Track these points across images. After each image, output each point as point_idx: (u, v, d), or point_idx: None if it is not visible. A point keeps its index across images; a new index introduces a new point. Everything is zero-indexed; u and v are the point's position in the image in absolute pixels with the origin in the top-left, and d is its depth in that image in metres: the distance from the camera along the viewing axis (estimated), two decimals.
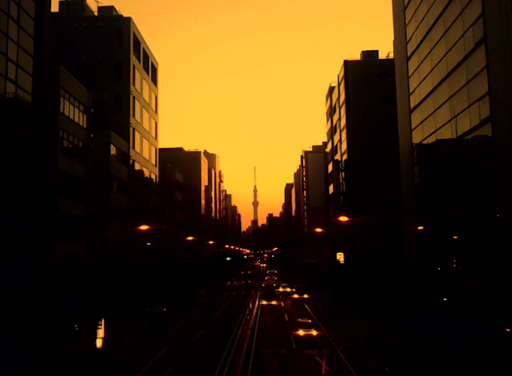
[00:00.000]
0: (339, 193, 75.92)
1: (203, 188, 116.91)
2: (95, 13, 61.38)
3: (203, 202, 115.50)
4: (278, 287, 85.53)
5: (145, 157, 61.68)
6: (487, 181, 30.31)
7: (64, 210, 36.58)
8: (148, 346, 37.45)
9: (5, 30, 27.82)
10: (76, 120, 39.53)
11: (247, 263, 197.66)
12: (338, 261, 72.24)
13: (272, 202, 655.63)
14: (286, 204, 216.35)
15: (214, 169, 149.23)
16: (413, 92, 44.03)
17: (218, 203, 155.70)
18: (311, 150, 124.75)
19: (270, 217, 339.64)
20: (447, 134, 36.34)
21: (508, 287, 27.29)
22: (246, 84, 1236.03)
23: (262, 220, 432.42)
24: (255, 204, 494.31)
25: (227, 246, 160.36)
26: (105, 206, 46.76)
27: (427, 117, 40.47)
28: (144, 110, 62.34)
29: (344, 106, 69.56)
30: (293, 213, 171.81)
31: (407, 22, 45.28)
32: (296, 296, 73.77)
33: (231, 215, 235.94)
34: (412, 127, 44.10)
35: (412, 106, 44.45)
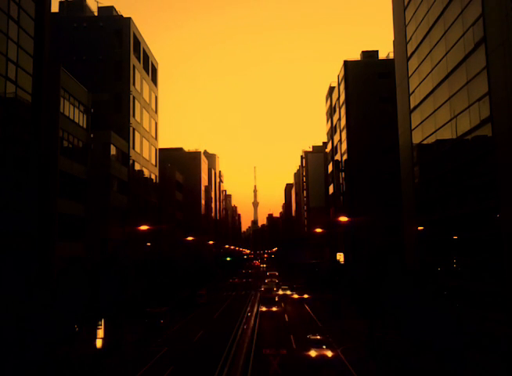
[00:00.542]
0: (339, 194, 75.92)
1: (203, 188, 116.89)
2: (95, 13, 61.38)
3: (203, 202, 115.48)
4: (278, 290, 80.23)
5: (145, 157, 61.66)
6: (487, 181, 30.30)
7: (64, 210, 36.57)
8: (148, 346, 37.45)
9: (5, 30, 27.83)
10: (76, 120, 39.52)
11: (247, 263, 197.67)
12: (338, 261, 72.28)
13: (272, 202, 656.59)
14: (286, 204, 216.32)
15: (214, 169, 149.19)
16: (413, 92, 44.03)
17: (218, 203, 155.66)
18: (311, 150, 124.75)
19: (270, 217, 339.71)
20: (447, 134, 36.33)
21: (508, 287, 27.28)
22: (247, 84, 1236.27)
23: (262, 220, 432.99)
24: (255, 204, 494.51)
25: (227, 246, 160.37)
26: (105, 206, 46.73)
27: (427, 118, 40.47)
28: (144, 110, 62.33)
29: (344, 107, 69.55)
30: (294, 213, 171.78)
31: (407, 22, 45.28)
32: (296, 296, 73.77)
33: (231, 215, 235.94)
34: (413, 127, 44.10)
35: (412, 106, 44.44)
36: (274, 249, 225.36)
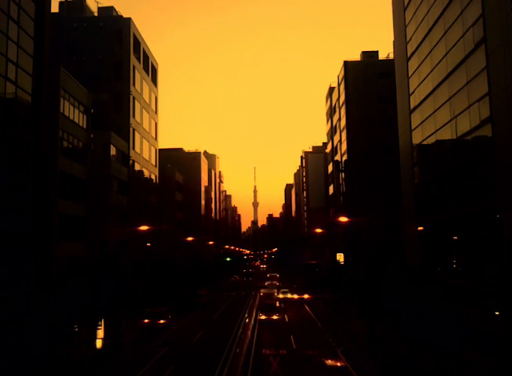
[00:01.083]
0: (339, 194, 75.94)
1: (203, 188, 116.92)
2: (95, 14, 61.43)
3: (203, 202, 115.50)
4: (278, 294, 72.49)
5: (145, 157, 61.69)
6: (487, 181, 30.31)
7: (64, 210, 36.58)
8: (148, 346, 37.44)
9: (5, 30, 27.83)
10: (76, 120, 39.54)
11: (248, 263, 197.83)
12: (338, 261, 72.27)
13: (272, 203, 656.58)
14: (286, 205, 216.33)
15: (214, 170, 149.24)
16: (413, 92, 44.04)
17: (218, 203, 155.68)
18: (311, 150, 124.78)
19: (270, 217, 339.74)
20: (447, 134, 36.34)
21: (508, 287, 27.29)
22: (247, 84, 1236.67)
23: (262, 220, 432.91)
24: (255, 204, 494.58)
25: (227, 246, 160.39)
26: (105, 206, 46.77)
27: (427, 118, 40.48)
28: (144, 110, 62.36)
29: (344, 107, 69.56)
30: (293, 213, 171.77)
31: (407, 22, 45.30)
32: (296, 297, 73.77)
33: (231, 215, 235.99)
34: (413, 127, 44.11)
35: (412, 106, 44.46)
36: (274, 249, 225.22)
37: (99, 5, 61.56)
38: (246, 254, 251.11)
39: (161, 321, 44.53)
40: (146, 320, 43.89)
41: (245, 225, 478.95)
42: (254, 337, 40.51)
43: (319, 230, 68.88)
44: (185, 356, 34.19)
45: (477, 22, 30.81)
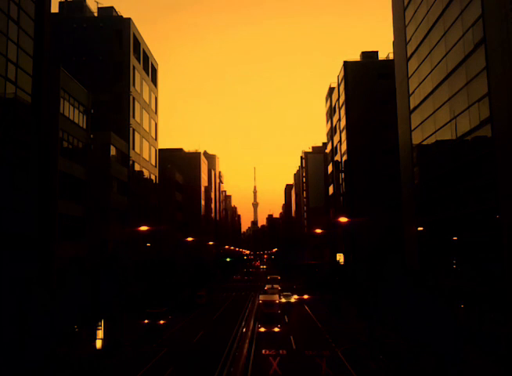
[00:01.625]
0: (339, 194, 75.93)
1: (203, 189, 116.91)
2: (95, 14, 61.39)
3: (203, 203, 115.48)
4: (280, 298, 65.42)
5: (145, 157, 61.67)
6: (487, 182, 30.32)
7: (64, 211, 36.57)
8: (148, 347, 37.42)
9: (5, 30, 27.84)
10: (76, 121, 39.53)
11: (247, 264, 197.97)
12: (338, 261, 72.27)
13: (272, 203, 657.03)
14: (286, 205, 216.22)
15: (214, 170, 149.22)
16: (413, 92, 44.06)
17: (217, 204, 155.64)
18: (311, 150, 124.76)
19: (270, 218, 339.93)
20: (447, 135, 36.36)
21: (508, 287, 27.29)
22: (247, 85, 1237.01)
23: (262, 221, 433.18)
24: (255, 204, 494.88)
25: (227, 247, 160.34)
26: (105, 207, 46.73)
27: (426, 118, 40.50)
28: (144, 110, 62.35)
29: (343, 107, 69.58)
30: (293, 214, 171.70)
31: (407, 23, 45.32)
32: (296, 297, 73.77)
33: (231, 215, 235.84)
34: (412, 128, 44.13)
35: (412, 107, 44.48)
36: (274, 250, 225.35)
37: (99, 5, 61.55)
38: (246, 255, 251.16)
39: (161, 321, 44.50)
40: (146, 321, 43.88)
41: (245, 225, 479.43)
42: (254, 337, 40.48)
43: (318, 230, 68.87)
44: (185, 357, 34.18)
45: (476, 22, 30.84)
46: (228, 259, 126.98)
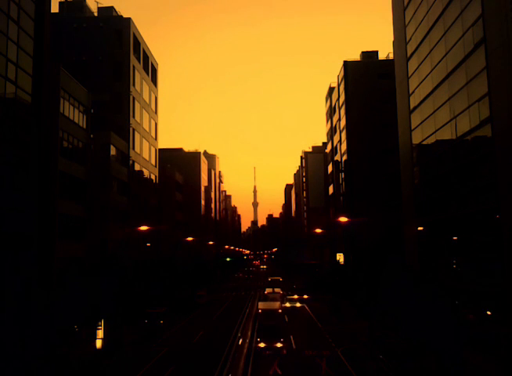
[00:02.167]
0: (339, 194, 75.94)
1: (203, 189, 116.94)
2: (95, 14, 61.40)
3: (203, 203, 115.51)
4: (284, 303, 62.26)
5: (145, 157, 61.68)
6: (487, 182, 30.31)
7: (64, 210, 36.57)
8: (148, 347, 37.45)
9: (5, 30, 27.84)
10: (76, 120, 39.53)
11: (248, 263, 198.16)
12: (338, 261, 72.30)
13: (272, 203, 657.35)
14: (286, 205, 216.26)
15: (214, 170, 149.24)
16: (413, 92, 44.03)
17: (217, 203, 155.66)
18: (311, 150, 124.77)
19: (270, 218, 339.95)
20: (447, 135, 36.34)
21: (508, 287, 27.29)
22: (247, 85, 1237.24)
23: (262, 221, 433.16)
24: (255, 204, 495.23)
25: (227, 246, 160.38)
26: (105, 206, 46.76)
27: (426, 118, 40.47)
28: (144, 110, 62.35)
29: (343, 107, 69.58)
30: (293, 214, 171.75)
31: (407, 22, 45.29)
32: (296, 297, 73.83)
33: (231, 215, 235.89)
34: (412, 127, 44.11)
35: (412, 106, 44.45)
36: (274, 250, 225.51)
37: (99, 5, 61.57)
38: (246, 255, 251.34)
39: (161, 321, 44.55)
40: (146, 321, 43.91)
41: (245, 225, 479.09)
42: (254, 337, 40.47)
43: (318, 230, 68.86)
44: (185, 357, 34.21)
45: (476, 22, 30.80)
46: (228, 259, 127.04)
